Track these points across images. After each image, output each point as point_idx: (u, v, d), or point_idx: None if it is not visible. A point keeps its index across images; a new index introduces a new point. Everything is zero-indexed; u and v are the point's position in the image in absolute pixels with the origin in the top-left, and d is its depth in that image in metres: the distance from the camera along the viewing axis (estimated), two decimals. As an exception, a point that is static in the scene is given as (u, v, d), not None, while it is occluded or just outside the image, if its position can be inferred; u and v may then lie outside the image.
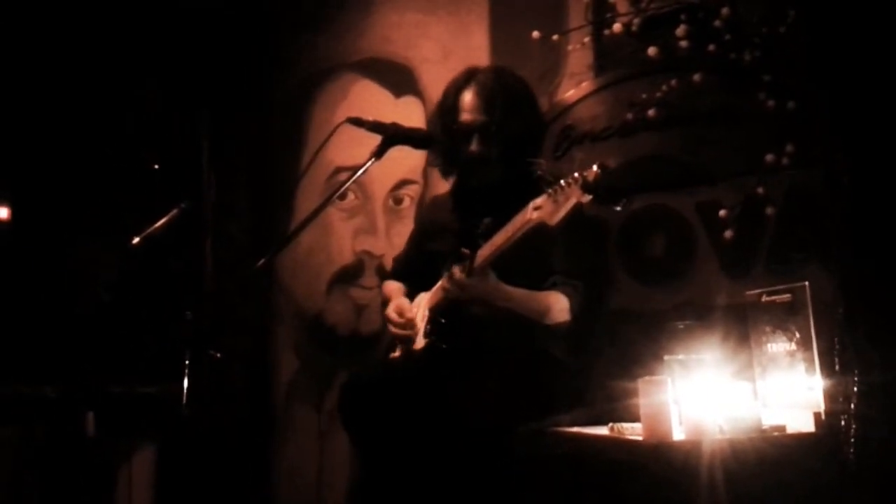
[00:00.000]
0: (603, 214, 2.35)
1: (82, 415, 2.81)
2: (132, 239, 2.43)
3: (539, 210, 1.84)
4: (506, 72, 2.27)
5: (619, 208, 1.78)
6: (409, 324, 2.19)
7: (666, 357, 1.63)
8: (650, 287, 2.41)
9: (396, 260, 2.55)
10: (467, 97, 2.18)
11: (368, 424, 2.07)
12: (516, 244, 1.91)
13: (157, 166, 3.12)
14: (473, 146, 2.16)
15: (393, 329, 2.24)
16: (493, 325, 2.07)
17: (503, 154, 2.15)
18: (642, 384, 1.57)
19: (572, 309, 2.04)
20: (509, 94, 2.16)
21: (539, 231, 1.85)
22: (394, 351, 2.28)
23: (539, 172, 1.93)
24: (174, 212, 2.47)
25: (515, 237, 1.90)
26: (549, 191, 1.82)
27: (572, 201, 1.77)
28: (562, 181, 1.80)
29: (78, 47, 3.27)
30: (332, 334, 3.14)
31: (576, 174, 1.78)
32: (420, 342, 2.16)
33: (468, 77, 2.23)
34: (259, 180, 3.36)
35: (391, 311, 2.24)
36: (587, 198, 1.75)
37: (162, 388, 2.72)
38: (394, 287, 2.39)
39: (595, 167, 1.75)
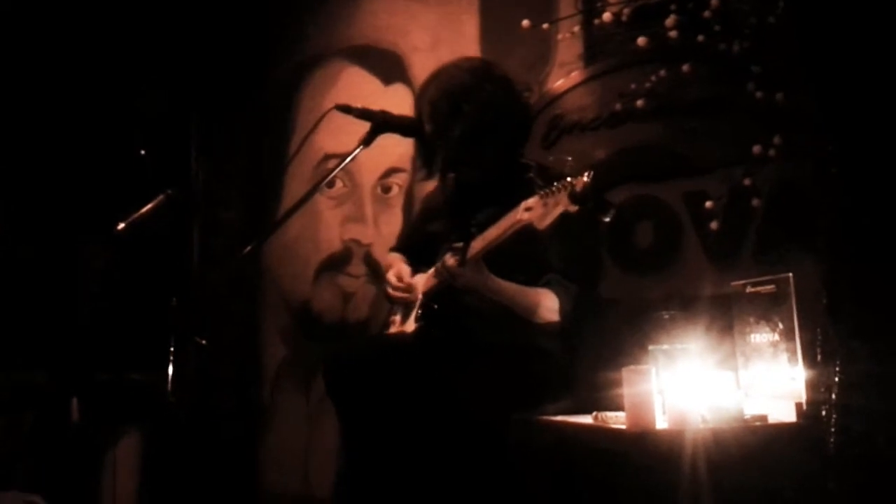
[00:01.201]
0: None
1: (68, 401, 2.81)
2: (118, 225, 2.42)
3: (529, 211, 1.85)
4: (460, 68, 2.18)
5: (607, 219, 1.80)
6: (409, 287, 2.20)
7: (650, 347, 1.64)
8: (637, 276, 2.41)
9: (400, 236, 2.56)
10: (424, 109, 2.15)
11: (355, 399, 2.05)
12: (506, 241, 1.92)
13: (143, 152, 3.10)
14: (441, 153, 2.15)
15: (391, 292, 2.24)
16: (483, 316, 2.08)
17: (475, 153, 2.11)
18: (626, 373, 1.58)
19: (562, 310, 2.04)
20: (454, 93, 2.08)
21: (529, 231, 1.86)
22: (388, 328, 2.29)
23: (530, 174, 1.93)
24: (160, 198, 2.46)
25: (506, 234, 1.92)
26: (541, 193, 1.83)
27: (560, 209, 1.79)
28: (554, 184, 1.81)
29: (63, 35, 3.24)
30: (318, 322, 3.14)
31: (567, 179, 1.78)
32: (411, 325, 2.17)
33: (426, 85, 2.24)
34: (248, 167, 3.35)
35: (391, 276, 2.25)
36: (574, 208, 1.77)
37: (148, 374, 2.71)
38: (395, 256, 2.40)
39: (585, 177, 1.76)
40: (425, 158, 2.27)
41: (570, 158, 2.30)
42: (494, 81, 2.13)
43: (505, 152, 2.13)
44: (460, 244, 1.98)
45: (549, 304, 2.04)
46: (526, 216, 1.85)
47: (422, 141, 2.22)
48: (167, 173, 2.90)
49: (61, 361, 2.90)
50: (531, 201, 1.85)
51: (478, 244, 1.98)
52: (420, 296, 2.18)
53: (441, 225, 2.28)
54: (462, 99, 2.08)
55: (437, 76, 2.24)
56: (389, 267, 2.32)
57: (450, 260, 2.01)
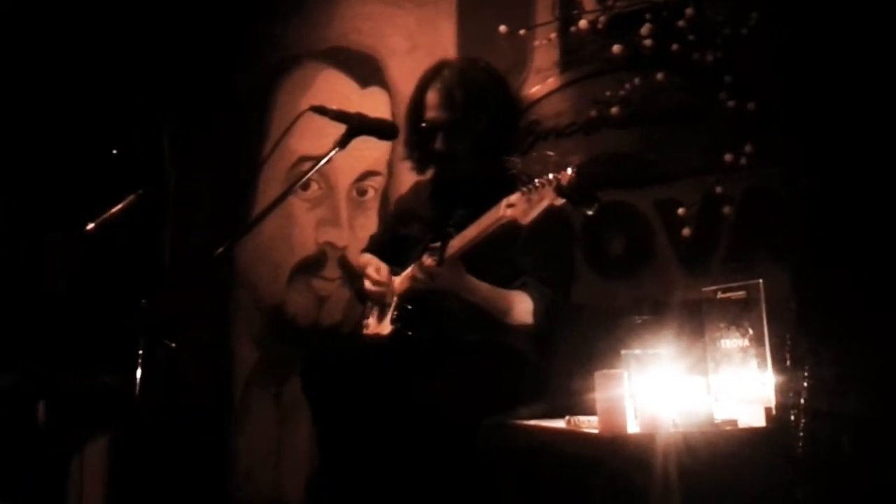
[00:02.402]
0: (566, 211, 2.37)
1: (34, 405, 2.75)
2: (87, 225, 2.39)
3: (512, 208, 1.84)
4: (475, 65, 2.23)
5: (591, 212, 1.80)
6: (388, 283, 2.19)
7: (623, 351, 1.65)
8: (610, 282, 2.43)
9: (372, 238, 2.55)
10: (431, 94, 2.17)
11: (329, 399, 2.04)
12: (487, 239, 1.91)
13: (115, 152, 3.06)
14: (438, 143, 2.15)
15: (370, 286, 2.22)
16: (458, 317, 2.07)
17: (472, 149, 2.14)
18: (599, 378, 1.58)
19: (536, 313, 2.04)
20: (474, 89, 2.13)
21: (511, 228, 1.85)
22: (363, 328, 2.28)
23: (513, 171, 1.93)
24: (131, 198, 2.44)
25: (487, 232, 1.91)
26: (524, 189, 1.82)
27: (545, 203, 1.78)
28: (536, 181, 1.80)
29: (34, 33, 3.19)
30: (292, 325, 3.12)
31: (550, 175, 1.78)
32: (387, 327, 2.16)
33: (435, 72, 2.21)
34: (221, 168, 3.32)
35: (371, 270, 2.23)
36: (560, 201, 1.76)
37: (116, 377, 2.67)
38: (369, 256, 2.38)
39: (570, 170, 1.76)
40: (412, 149, 2.25)
41: (552, 154, 2.30)
42: (501, 83, 2.20)
43: (499, 151, 2.13)
44: (438, 244, 1.98)
45: (523, 307, 2.05)
46: (509, 213, 1.84)
47: (404, 135, 2.21)
48: (139, 173, 2.87)
49: (28, 364, 2.85)
50: (513, 198, 1.84)
51: (456, 243, 1.97)
52: (395, 297, 2.18)
53: (415, 228, 2.28)
54: (487, 93, 2.12)
55: (451, 66, 2.22)
56: (365, 265, 2.30)
57: (427, 260, 2.00)
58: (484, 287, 2.04)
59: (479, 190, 2.04)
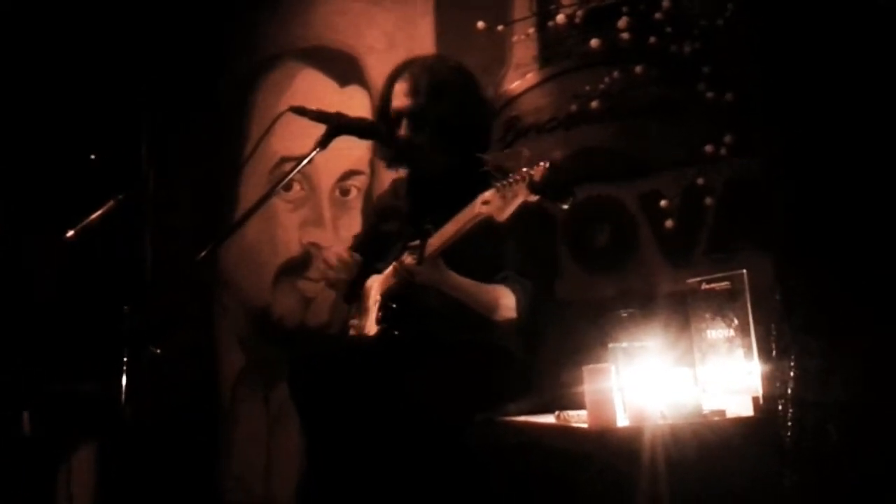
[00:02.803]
0: (547, 206, 2.37)
1: (19, 414, 2.73)
2: (67, 232, 2.36)
3: (487, 205, 1.85)
4: (443, 61, 2.28)
5: (566, 206, 1.80)
6: (343, 265, 2.21)
7: (610, 344, 1.65)
8: (594, 276, 2.44)
9: (356, 237, 2.55)
10: (398, 85, 2.20)
11: (317, 403, 2.04)
12: (465, 236, 1.92)
13: (93, 157, 3.03)
14: (402, 130, 2.17)
15: (328, 272, 2.26)
16: (443, 314, 2.07)
17: (438, 141, 2.15)
18: (587, 372, 1.59)
19: (519, 307, 2.05)
20: (438, 80, 2.16)
21: (487, 225, 1.86)
22: (347, 332, 2.28)
23: (485, 168, 1.93)
24: (110, 203, 2.41)
25: (464, 230, 1.91)
26: (497, 185, 1.82)
27: (519, 199, 1.79)
28: (510, 176, 1.80)
29: (13, 37, 3.15)
30: (278, 327, 3.10)
31: (524, 170, 1.78)
32: (372, 328, 2.16)
33: (404, 67, 2.26)
34: (201, 171, 3.29)
35: (329, 254, 2.26)
36: (534, 197, 1.77)
37: (101, 385, 2.65)
38: (343, 250, 2.39)
39: (542, 165, 1.76)
40: (386, 144, 2.27)
41: (525, 150, 2.31)
42: (468, 78, 2.23)
43: (467, 149, 2.13)
44: (417, 242, 1.98)
45: (506, 302, 2.05)
46: (485, 209, 1.85)
47: (380, 137, 2.22)
48: (118, 178, 2.84)
49: (11, 373, 2.81)
50: (488, 194, 1.85)
51: (435, 241, 1.97)
52: (378, 297, 2.17)
53: (395, 224, 2.28)
54: (453, 86, 2.15)
55: (420, 61, 2.28)
56: (330, 256, 2.31)
57: (407, 259, 2.00)
58: (466, 283, 2.04)
59: (452, 186, 2.05)
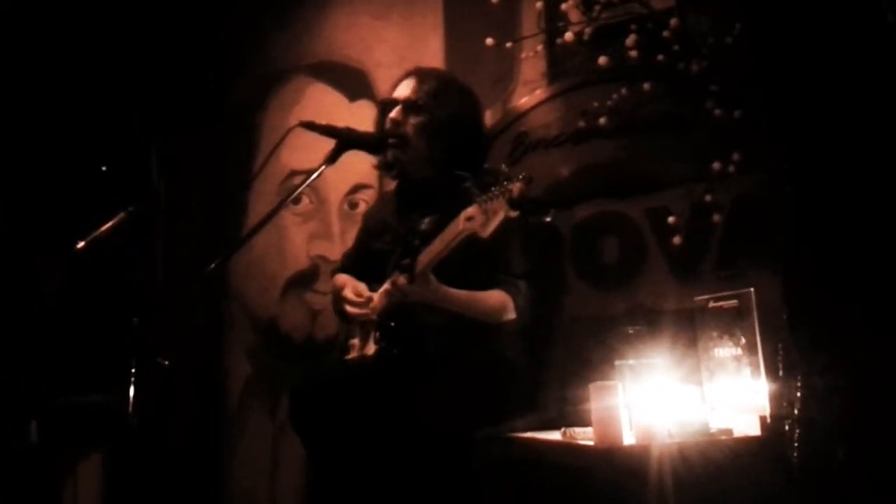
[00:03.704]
0: (555, 221, 2.38)
1: (26, 425, 2.74)
2: (77, 243, 2.38)
3: (470, 221, 1.86)
4: (456, 79, 2.33)
5: (548, 219, 1.82)
6: (368, 302, 2.18)
7: (617, 362, 1.65)
8: (602, 292, 2.43)
9: (345, 256, 2.54)
10: (404, 80, 2.28)
11: (321, 430, 2.05)
12: (452, 253, 1.93)
13: (105, 168, 3.06)
14: (392, 114, 2.21)
15: (351, 309, 2.20)
16: (442, 330, 2.08)
17: (430, 150, 2.18)
18: (593, 389, 1.59)
19: (516, 307, 2.07)
20: (445, 89, 2.22)
21: (472, 241, 1.87)
22: (348, 352, 2.27)
23: (466, 185, 1.94)
24: (120, 216, 2.43)
25: (451, 246, 1.92)
26: (479, 201, 1.84)
27: (501, 215, 1.81)
28: (491, 191, 1.82)
29: (21, 47, 3.18)
30: (286, 340, 3.11)
31: (504, 183, 1.80)
32: (371, 348, 2.15)
33: (415, 69, 2.33)
34: (211, 184, 3.32)
35: (348, 292, 2.22)
36: (514, 213, 1.79)
37: (108, 396, 2.66)
38: (344, 277, 2.37)
39: (519, 181, 1.79)
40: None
41: (504, 166, 2.33)
42: (474, 102, 2.30)
43: (457, 162, 2.14)
44: (407, 261, 1.98)
45: (503, 305, 2.07)
46: (469, 226, 1.86)
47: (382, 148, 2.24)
48: (128, 190, 2.86)
49: (19, 384, 2.83)
50: (470, 210, 1.86)
51: (424, 258, 1.98)
52: (375, 317, 2.17)
53: (385, 240, 2.28)
54: (445, 92, 2.22)
55: (431, 69, 2.37)
56: (342, 288, 2.28)
57: (399, 278, 2.00)
58: (460, 294, 2.04)
59: (437, 199, 2.07)
